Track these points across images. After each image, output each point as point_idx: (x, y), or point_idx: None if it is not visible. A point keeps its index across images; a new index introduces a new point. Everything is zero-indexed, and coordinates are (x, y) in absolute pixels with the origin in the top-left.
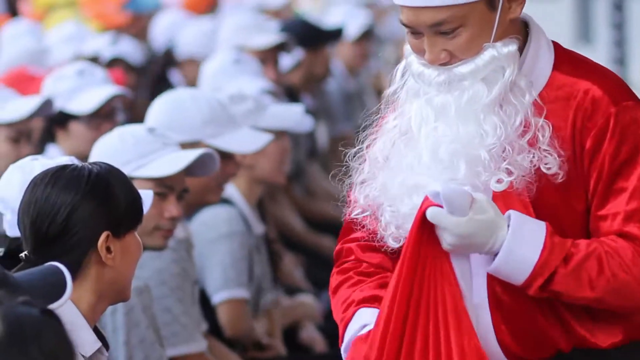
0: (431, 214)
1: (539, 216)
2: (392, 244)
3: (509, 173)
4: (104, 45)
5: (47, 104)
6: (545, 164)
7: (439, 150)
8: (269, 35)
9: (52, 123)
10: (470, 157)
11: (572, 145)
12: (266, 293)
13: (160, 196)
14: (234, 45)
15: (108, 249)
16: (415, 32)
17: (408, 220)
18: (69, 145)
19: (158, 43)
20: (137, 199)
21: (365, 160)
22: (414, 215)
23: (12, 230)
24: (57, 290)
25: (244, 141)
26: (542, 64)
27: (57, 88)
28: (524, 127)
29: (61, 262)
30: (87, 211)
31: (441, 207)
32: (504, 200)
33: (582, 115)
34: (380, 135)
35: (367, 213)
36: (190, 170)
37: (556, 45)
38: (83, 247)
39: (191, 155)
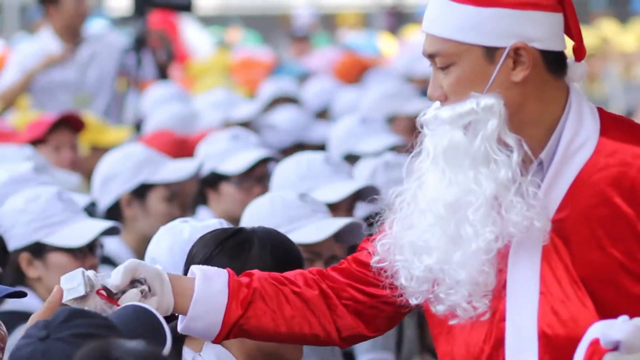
0: None
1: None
2: (413, 301)
3: (505, 233)
4: (254, 111)
5: (201, 167)
6: (535, 219)
7: (433, 203)
8: (417, 103)
9: (204, 185)
10: (462, 210)
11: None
12: (415, 357)
13: (308, 262)
14: (382, 112)
15: None
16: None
17: (423, 283)
18: (219, 207)
19: (309, 109)
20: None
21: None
22: (427, 278)
23: None
24: (154, 333)
25: None
26: (587, 130)
27: (210, 151)
28: (513, 182)
29: None
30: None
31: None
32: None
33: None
34: (411, 183)
35: (385, 264)
36: (339, 236)
37: (601, 111)
38: None
39: (340, 222)
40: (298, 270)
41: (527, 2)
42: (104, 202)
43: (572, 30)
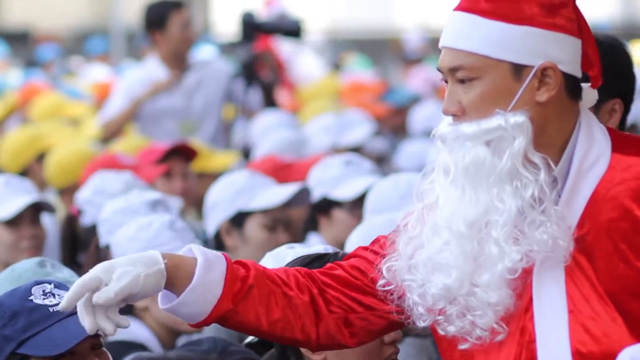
0: None
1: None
2: (420, 324)
3: (529, 251)
4: (364, 136)
5: (304, 192)
6: (560, 238)
7: (452, 220)
8: None
9: (315, 210)
10: (486, 228)
11: None
12: None
13: None
14: None
15: None
16: (446, 80)
17: (438, 302)
18: (330, 233)
19: (414, 134)
20: None
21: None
22: (443, 296)
23: None
24: None
25: None
26: (599, 146)
27: (322, 176)
28: (539, 200)
29: None
30: None
31: None
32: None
33: None
34: (418, 202)
35: (391, 287)
36: None
37: (610, 129)
38: None
39: None
40: (292, 269)
41: (556, 24)
42: (209, 230)
43: (591, 58)
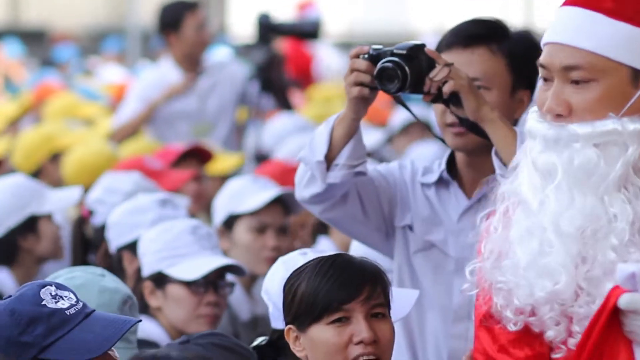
0: (627, 301)
1: None
2: (511, 327)
3: None
4: (376, 142)
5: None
6: None
7: (559, 222)
8: None
9: None
10: (599, 234)
11: None
12: None
13: None
14: None
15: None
16: (547, 78)
17: (542, 305)
18: (339, 236)
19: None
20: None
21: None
22: (549, 300)
23: (276, 322)
24: None
25: None
26: None
27: None
28: None
29: None
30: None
31: (631, 290)
32: None
33: None
34: (499, 202)
35: (477, 290)
36: None
37: None
38: None
39: None
40: None
41: None
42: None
43: None
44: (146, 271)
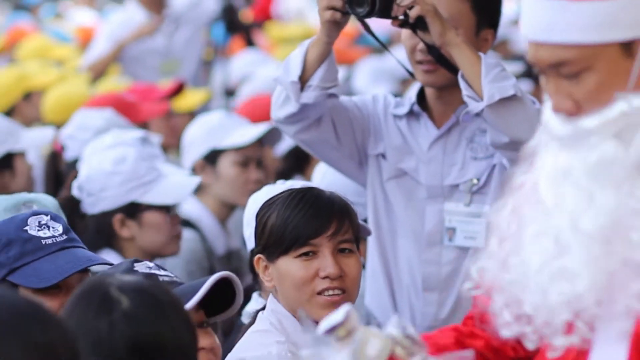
0: None
1: None
2: (504, 334)
3: None
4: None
5: (275, 132)
6: None
7: (579, 221)
8: None
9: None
10: (623, 230)
11: None
12: None
13: None
14: None
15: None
16: (541, 71)
17: (557, 313)
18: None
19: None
20: None
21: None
22: (568, 304)
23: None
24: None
25: None
26: None
27: None
28: None
29: None
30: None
31: None
32: None
33: None
34: (511, 196)
35: (480, 291)
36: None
37: None
38: None
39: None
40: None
41: None
42: (185, 167)
43: None
44: (111, 205)
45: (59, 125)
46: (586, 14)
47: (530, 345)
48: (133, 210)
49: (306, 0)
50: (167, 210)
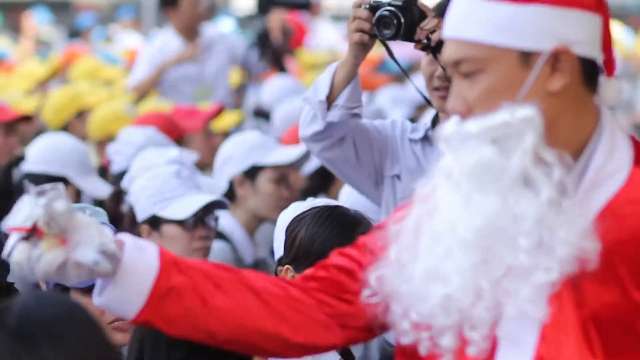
0: None
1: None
2: (403, 340)
3: (548, 270)
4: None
5: (308, 155)
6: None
7: (457, 225)
8: None
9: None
10: (505, 236)
11: None
12: None
13: None
14: None
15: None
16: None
17: (433, 316)
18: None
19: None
20: None
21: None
22: (444, 306)
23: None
24: None
25: None
26: (620, 157)
27: None
28: (555, 203)
29: None
30: None
31: None
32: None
33: None
34: (414, 204)
35: (377, 298)
36: None
37: (633, 139)
38: None
39: None
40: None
41: (570, 0)
42: (221, 181)
43: (605, 41)
44: (141, 216)
45: (102, 141)
46: (493, 15)
47: (422, 350)
48: (156, 222)
49: (338, 34)
50: (184, 224)
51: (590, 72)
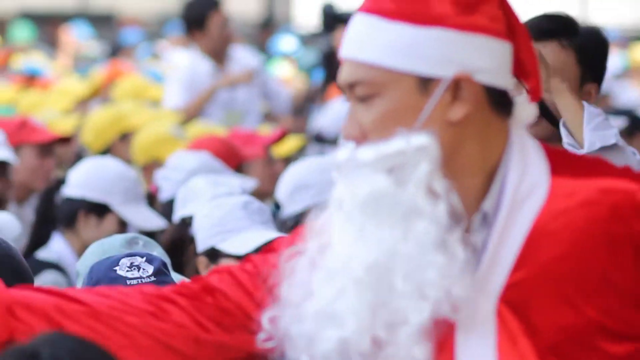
0: None
1: None
2: None
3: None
4: None
5: None
6: (455, 286)
7: (351, 262)
8: None
9: None
10: (400, 272)
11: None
12: None
13: None
14: None
15: None
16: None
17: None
18: None
19: None
20: None
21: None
22: (339, 352)
23: None
24: None
25: None
26: (535, 171)
27: None
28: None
29: None
30: None
31: None
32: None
33: (617, 220)
34: (310, 239)
35: (273, 343)
36: None
37: (546, 148)
38: None
39: None
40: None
41: (474, 24)
42: (291, 209)
43: (526, 65)
44: (200, 247)
45: (147, 165)
46: (392, 37)
47: None
48: (214, 255)
49: None
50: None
51: (500, 98)
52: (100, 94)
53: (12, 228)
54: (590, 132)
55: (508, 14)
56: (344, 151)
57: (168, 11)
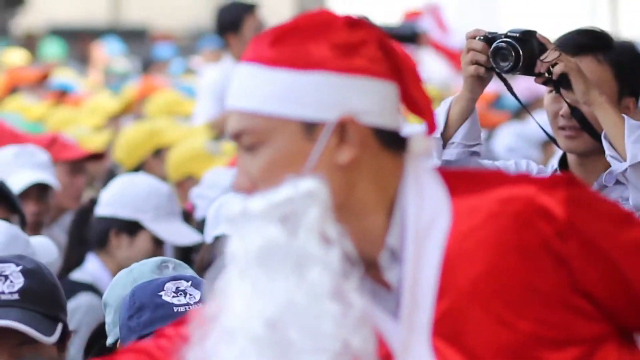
0: None
1: None
2: None
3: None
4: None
5: None
6: (352, 337)
7: (246, 319)
8: None
9: None
10: (297, 327)
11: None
12: None
13: None
14: None
15: None
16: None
17: None
18: None
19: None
20: None
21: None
22: None
23: None
24: None
25: None
26: (433, 196)
27: None
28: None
29: None
30: None
31: None
32: None
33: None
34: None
35: None
36: None
37: (440, 171)
38: None
39: None
40: None
41: (354, 67)
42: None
43: (418, 102)
44: None
45: (181, 182)
46: (272, 83)
47: None
48: None
49: (450, 71)
50: None
51: (389, 136)
52: (132, 110)
53: (49, 252)
54: (632, 144)
55: (390, 54)
56: (235, 204)
57: (201, 26)
